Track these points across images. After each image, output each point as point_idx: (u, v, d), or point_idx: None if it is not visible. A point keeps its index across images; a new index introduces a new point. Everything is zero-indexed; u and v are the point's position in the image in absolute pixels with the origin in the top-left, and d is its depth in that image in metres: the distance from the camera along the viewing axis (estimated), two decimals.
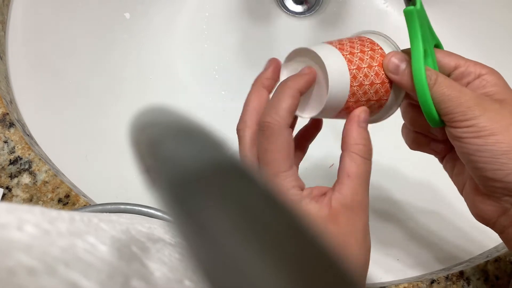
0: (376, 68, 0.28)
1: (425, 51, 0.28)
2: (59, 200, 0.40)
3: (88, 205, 0.39)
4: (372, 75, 0.28)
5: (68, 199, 0.40)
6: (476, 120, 0.26)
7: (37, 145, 0.43)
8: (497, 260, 0.40)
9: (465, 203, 0.47)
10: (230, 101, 0.50)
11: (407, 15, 0.28)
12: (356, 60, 0.28)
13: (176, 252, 0.23)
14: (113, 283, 0.16)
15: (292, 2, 0.51)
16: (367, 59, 0.28)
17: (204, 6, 0.51)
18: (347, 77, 0.27)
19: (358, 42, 0.29)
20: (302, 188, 0.27)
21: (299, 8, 0.51)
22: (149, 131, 0.14)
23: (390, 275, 0.41)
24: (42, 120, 0.44)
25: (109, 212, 0.35)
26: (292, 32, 0.51)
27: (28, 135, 0.42)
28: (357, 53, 0.28)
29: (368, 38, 0.30)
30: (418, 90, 0.27)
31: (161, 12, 0.50)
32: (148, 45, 0.50)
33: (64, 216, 0.19)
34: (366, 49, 0.29)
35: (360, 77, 0.28)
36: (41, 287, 0.13)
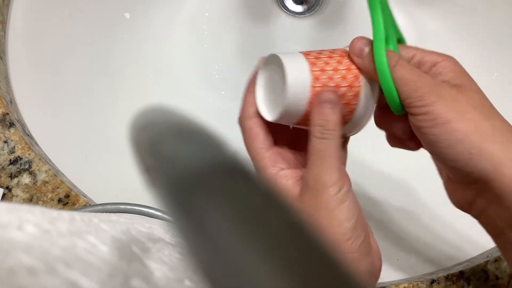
0: (343, 71, 0.28)
1: (386, 37, 0.28)
2: (59, 200, 0.40)
3: (88, 205, 0.39)
4: (337, 78, 0.28)
5: (68, 199, 0.40)
6: (432, 107, 0.26)
7: (37, 145, 0.43)
8: (497, 260, 0.40)
9: None
10: (230, 101, 0.50)
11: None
12: (320, 63, 0.28)
13: (176, 252, 0.23)
14: (113, 283, 0.16)
15: (292, 2, 0.51)
16: (333, 63, 0.28)
17: (204, 6, 0.51)
18: (307, 77, 0.27)
19: (329, 50, 0.30)
20: (281, 167, 0.29)
21: (299, 8, 0.51)
22: (149, 131, 0.14)
23: (390, 275, 0.41)
24: (42, 120, 0.44)
25: (109, 212, 0.35)
26: (292, 32, 0.51)
27: (28, 135, 0.42)
28: (324, 58, 0.29)
29: (342, 48, 0.30)
30: (379, 71, 0.27)
31: (161, 12, 0.50)
32: (148, 45, 0.50)
33: (64, 216, 0.19)
34: (335, 55, 0.29)
35: (324, 78, 0.28)
36: (41, 287, 0.13)
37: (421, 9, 0.50)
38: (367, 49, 0.28)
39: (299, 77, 0.27)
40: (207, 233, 0.10)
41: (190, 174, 0.11)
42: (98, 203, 0.40)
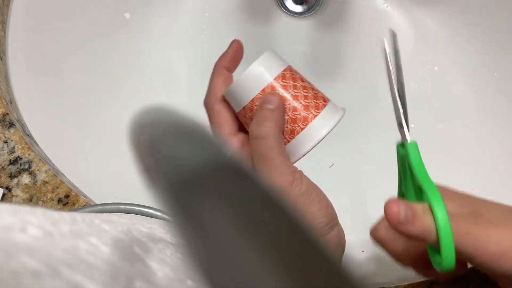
0: (303, 94, 0.29)
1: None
2: (59, 200, 0.40)
3: (88, 205, 0.39)
4: (295, 95, 0.28)
5: (68, 199, 0.40)
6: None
7: (37, 145, 0.43)
8: None
9: None
10: None
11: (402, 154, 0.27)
12: (290, 83, 0.29)
13: (178, 251, 0.23)
14: (116, 284, 0.16)
15: (292, 2, 0.51)
16: (301, 91, 0.29)
17: (204, 6, 0.51)
18: (267, 79, 0.28)
19: (311, 86, 0.30)
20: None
21: (299, 8, 0.51)
22: (149, 131, 0.14)
23: (390, 275, 0.41)
24: (42, 120, 0.44)
25: (109, 212, 0.35)
26: (292, 32, 0.51)
27: (28, 135, 0.42)
28: (298, 83, 0.29)
29: (322, 95, 0.31)
30: (442, 237, 0.24)
31: (161, 12, 0.50)
32: (148, 45, 0.50)
33: (66, 217, 0.19)
34: (309, 90, 0.29)
35: (281, 90, 0.28)
36: None
37: (421, 9, 0.50)
38: (410, 214, 0.25)
39: (261, 74, 0.28)
40: (207, 233, 0.10)
41: (190, 174, 0.11)
42: (98, 203, 0.40)
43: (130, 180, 0.39)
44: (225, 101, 0.30)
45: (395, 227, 0.25)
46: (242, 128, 0.30)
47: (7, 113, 0.41)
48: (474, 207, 0.26)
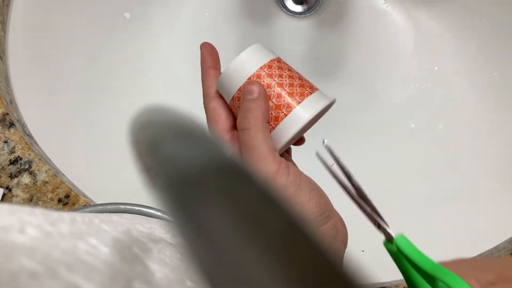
0: (289, 82, 0.29)
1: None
2: (59, 200, 0.40)
3: (88, 205, 0.39)
4: (279, 82, 0.28)
5: (68, 199, 0.40)
6: None
7: (37, 145, 0.43)
8: None
9: (464, 204, 0.47)
10: None
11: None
12: (276, 71, 0.29)
13: (177, 252, 0.23)
14: (115, 285, 0.16)
15: (292, 2, 0.51)
16: (286, 80, 0.29)
17: (204, 6, 0.51)
18: (253, 68, 0.29)
19: (298, 76, 0.30)
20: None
21: (299, 8, 0.51)
22: (149, 131, 0.14)
23: (390, 275, 0.41)
24: (42, 120, 0.44)
25: (109, 212, 0.35)
26: (292, 32, 0.51)
27: (28, 135, 0.42)
28: (285, 72, 0.29)
29: (310, 84, 0.31)
30: None
31: (161, 12, 0.50)
32: (148, 45, 0.50)
33: (65, 218, 0.19)
34: (295, 80, 0.29)
35: (266, 78, 0.28)
36: None
37: (420, 9, 0.50)
38: None
39: (247, 63, 0.29)
40: (207, 232, 0.10)
41: (190, 174, 0.11)
42: (98, 203, 0.40)
43: (130, 180, 0.39)
44: (220, 98, 0.31)
45: None
46: (235, 125, 0.31)
47: (7, 113, 0.41)
48: (497, 273, 0.25)
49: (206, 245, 0.10)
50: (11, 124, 0.40)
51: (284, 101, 0.28)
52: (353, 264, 0.10)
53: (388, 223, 0.27)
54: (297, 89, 0.28)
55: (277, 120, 0.28)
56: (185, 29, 0.51)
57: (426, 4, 0.50)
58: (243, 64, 0.29)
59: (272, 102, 0.28)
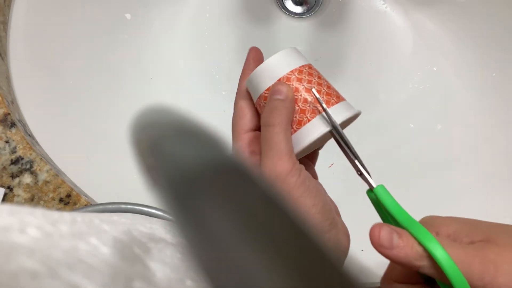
0: (317, 87, 0.29)
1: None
2: (60, 200, 0.40)
3: (89, 205, 0.39)
4: (308, 87, 0.29)
5: (69, 199, 0.40)
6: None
7: (39, 145, 0.43)
8: None
9: (464, 203, 0.47)
10: (230, 101, 0.50)
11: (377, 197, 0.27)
12: (306, 77, 0.29)
13: (178, 252, 0.23)
14: (115, 285, 0.16)
15: (292, 3, 0.51)
16: (315, 84, 0.29)
17: (205, 7, 0.51)
18: (283, 71, 0.29)
19: (327, 84, 0.30)
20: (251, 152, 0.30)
21: (298, 9, 0.51)
22: (150, 131, 0.15)
23: None
24: (43, 120, 0.44)
25: (110, 212, 0.35)
26: (292, 33, 0.51)
27: (29, 135, 0.42)
28: (315, 79, 0.30)
29: (337, 94, 0.31)
30: (445, 267, 0.23)
31: (161, 13, 0.50)
32: (149, 46, 0.50)
33: (65, 218, 0.19)
34: (324, 86, 0.30)
35: (295, 82, 0.29)
36: None
37: (419, 10, 0.50)
38: (396, 239, 0.24)
39: (278, 64, 0.29)
40: (208, 232, 0.10)
41: (191, 174, 0.11)
42: (99, 202, 0.40)
43: (131, 180, 0.39)
44: (249, 99, 0.31)
45: (380, 251, 0.24)
46: (258, 127, 0.31)
47: (9, 113, 0.41)
48: (485, 234, 0.25)
49: (207, 244, 0.10)
50: (13, 124, 0.41)
51: (309, 106, 0.28)
52: (353, 264, 0.10)
53: (370, 173, 0.28)
54: (324, 97, 0.29)
55: (300, 124, 0.29)
56: (186, 29, 0.51)
57: (425, 5, 0.50)
58: (275, 65, 0.29)
59: (298, 106, 0.28)
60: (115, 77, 0.49)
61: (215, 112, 0.50)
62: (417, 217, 0.45)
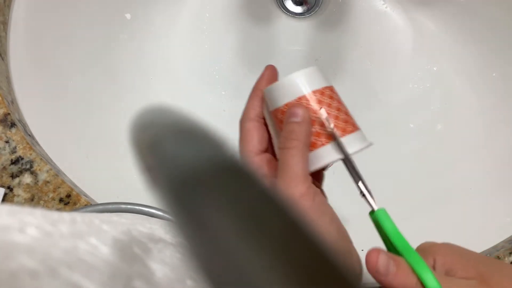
0: (335, 112, 0.29)
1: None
2: (60, 200, 0.40)
3: (89, 205, 0.40)
4: (325, 110, 0.29)
5: (69, 199, 0.40)
6: None
7: (39, 145, 0.43)
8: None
9: (463, 203, 0.47)
10: (230, 101, 0.50)
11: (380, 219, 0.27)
12: (326, 100, 0.29)
13: (177, 252, 0.23)
14: (115, 284, 0.16)
15: (291, 3, 0.51)
16: (334, 109, 0.30)
17: (205, 7, 0.51)
18: (305, 90, 0.29)
19: (345, 111, 0.30)
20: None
21: (298, 9, 0.51)
22: (150, 131, 0.15)
23: None
24: (43, 120, 0.44)
25: (110, 212, 0.35)
26: (292, 33, 0.51)
27: (29, 135, 0.42)
28: (334, 104, 0.30)
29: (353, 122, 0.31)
30: None
31: (161, 13, 0.50)
32: (149, 46, 0.50)
33: (65, 218, 0.19)
34: (342, 111, 0.30)
35: (313, 104, 0.29)
36: None
37: (419, 10, 0.50)
38: (393, 266, 0.24)
39: (302, 83, 0.29)
40: (208, 232, 0.10)
41: (191, 174, 0.11)
42: (99, 202, 0.40)
43: (131, 180, 0.39)
44: (257, 121, 0.31)
45: (375, 277, 0.24)
46: (267, 149, 0.31)
47: (9, 113, 0.41)
48: (478, 272, 0.25)
49: (206, 244, 0.10)
50: (13, 124, 0.41)
51: (324, 131, 0.29)
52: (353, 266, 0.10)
53: (373, 196, 0.28)
54: (341, 123, 0.29)
55: (313, 146, 0.29)
56: (186, 29, 0.51)
57: (425, 5, 0.50)
58: (299, 82, 0.29)
59: (314, 128, 0.29)
60: (115, 77, 0.49)
61: (215, 112, 0.50)
62: (418, 217, 0.45)
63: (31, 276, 0.13)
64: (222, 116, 0.50)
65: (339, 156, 0.28)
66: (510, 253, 0.40)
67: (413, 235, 0.45)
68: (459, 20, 0.49)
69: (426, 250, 0.27)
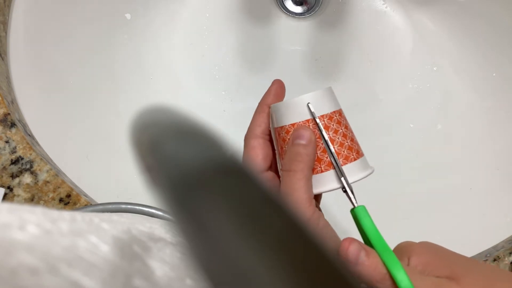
0: (341, 140, 0.29)
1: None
2: (60, 200, 0.40)
3: (89, 205, 0.40)
4: (330, 136, 0.29)
5: (69, 199, 0.40)
6: None
7: (39, 145, 0.43)
8: (495, 259, 0.40)
9: (463, 203, 0.47)
10: (230, 101, 0.50)
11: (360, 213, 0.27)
12: (334, 126, 0.29)
13: (177, 251, 0.24)
14: (115, 282, 0.16)
15: (291, 3, 0.51)
16: (340, 137, 0.29)
17: (205, 7, 0.51)
18: (313, 113, 0.29)
19: (351, 137, 0.30)
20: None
21: (298, 9, 0.51)
22: (150, 131, 0.15)
23: None
24: (43, 120, 0.44)
25: (110, 212, 0.36)
26: (291, 33, 0.51)
27: (29, 135, 0.42)
28: (341, 130, 0.30)
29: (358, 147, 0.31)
30: None
31: (161, 13, 0.50)
32: (149, 46, 0.50)
33: (65, 216, 0.19)
34: (348, 142, 0.30)
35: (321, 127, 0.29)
36: (43, 287, 0.13)
37: (419, 10, 0.50)
38: (363, 256, 0.25)
39: (311, 106, 0.29)
40: (208, 231, 0.10)
41: (191, 174, 0.11)
42: (99, 202, 0.40)
43: (131, 180, 0.39)
44: (262, 139, 0.31)
45: (346, 266, 0.24)
46: (271, 167, 0.31)
47: (9, 113, 0.41)
48: (452, 271, 0.25)
49: (207, 243, 0.10)
50: (13, 124, 0.41)
51: (326, 158, 0.29)
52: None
53: (354, 192, 0.28)
54: (345, 151, 0.29)
55: (315, 171, 0.29)
56: (186, 29, 0.51)
57: (425, 5, 0.50)
58: (309, 105, 0.29)
59: (317, 153, 0.29)
60: (115, 77, 0.49)
61: (215, 112, 0.50)
62: (418, 217, 0.45)
63: (31, 272, 0.13)
64: (222, 116, 0.50)
65: (339, 185, 0.29)
66: (510, 253, 0.40)
67: (413, 235, 0.45)
68: (459, 20, 0.49)
69: (402, 249, 0.27)
